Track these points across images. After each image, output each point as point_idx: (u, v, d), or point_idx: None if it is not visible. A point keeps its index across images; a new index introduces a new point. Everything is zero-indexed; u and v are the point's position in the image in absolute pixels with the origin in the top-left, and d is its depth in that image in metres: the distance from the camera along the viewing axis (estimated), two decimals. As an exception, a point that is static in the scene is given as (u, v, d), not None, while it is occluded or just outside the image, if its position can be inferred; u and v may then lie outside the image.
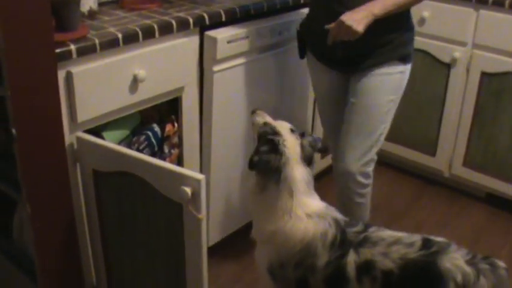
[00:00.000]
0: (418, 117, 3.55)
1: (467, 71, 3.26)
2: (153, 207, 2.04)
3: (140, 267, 2.23)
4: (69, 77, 2.04)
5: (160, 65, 2.33)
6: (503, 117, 3.21)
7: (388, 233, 2.03)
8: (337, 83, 2.57)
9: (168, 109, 2.54)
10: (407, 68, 2.48)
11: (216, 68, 2.48)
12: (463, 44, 3.23)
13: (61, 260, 2.15)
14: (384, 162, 3.86)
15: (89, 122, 2.17)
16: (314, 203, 2.10)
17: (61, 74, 2.01)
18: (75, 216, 2.21)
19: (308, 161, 2.12)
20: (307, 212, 2.05)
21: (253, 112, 2.30)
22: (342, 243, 2.01)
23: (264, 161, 2.06)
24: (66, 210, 2.11)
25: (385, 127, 2.53)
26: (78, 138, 2.14)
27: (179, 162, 2.57)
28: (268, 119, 2.24)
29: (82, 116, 2.12)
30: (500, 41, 3.10)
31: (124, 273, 2.33)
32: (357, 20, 2.17)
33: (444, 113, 3.42)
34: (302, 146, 2.11)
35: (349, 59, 2.43)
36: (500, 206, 3.48)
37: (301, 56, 2.64)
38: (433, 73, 3.38)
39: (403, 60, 2.45)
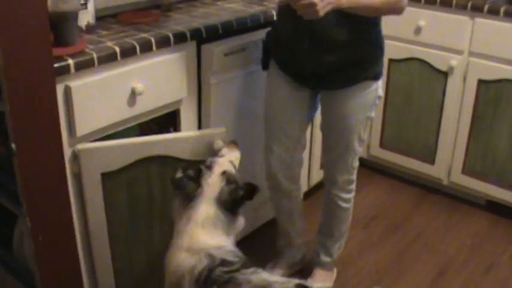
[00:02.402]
0: (416, 125, 3.56)
1: (464, 79, 3.27)
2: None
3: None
4: (67, 91, 2.05)
5: (158, 78, 2.34)
6: (501, 124, 3.22)
7: (261, 277, 1.92)
8: (304, 100, 2.50)
9: (166, 121, 2.55)
10: (379, 83, 2.44)
11: (213, 81, 2.50)
12: (459, 52, 3.25)
13: (61, 274, 2.15)
14: (383, 170, 3.88)
15: (88, 135, 2.18)
16: (205, 240, 2.02)
17: (59, 89, 2.02)
18: (80, 229, 2.24)
19: (226, 206, 2.08)
20: (191, 246, 2.01)
21: (230, 142, 2.33)
22: (205, 281, 1.93)
23: (183, 183, 2.08)
24: (66, 224, 2.12)
25: (364, 138, 2.54)
26: (83, 149, 2.15)
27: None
28: (228, 154, 2.25)
29: (81, 129, 2.13)
30: (496, 48, 3.12)
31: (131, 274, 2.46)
32: (323, 5, 2.04)
33: (442, 121, 3.43)
34: (220, 190, 2.08)
35: (318, 75, 2.36)
36: (500, 213, 3.48)
37: (264, 67, 2.56)
38: (430, 81, 3.40)
39: (375, 78, 2.41)
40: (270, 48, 2.50)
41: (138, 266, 2.49)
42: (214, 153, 2.29)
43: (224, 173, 2.11)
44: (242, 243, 2.24)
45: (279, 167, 2.64)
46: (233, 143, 2.32)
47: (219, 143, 2.35)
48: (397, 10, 2.25)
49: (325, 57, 2.28)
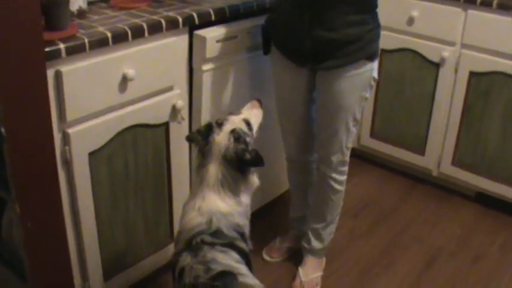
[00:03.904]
0: (407, 116, 3.56)
1: (456, 70, 3.27)
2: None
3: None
4: (58, 76, 2.03)
5: (150, 64, 2.33)
6: (492, 117, 3.23)
7: (228, 262, 1.93)
8: (304, 81, 2.56)
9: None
10: (374, 65, 2.48)
11: (205, 67, 2.48)
12: (451, 43, 3.25)
13: (51, 260, 2.15)
14: (373, 160, 3.89)
15: (79, 120, 2.16)
16: (215, 202, 2.08)
17: (50, 73, 2.00)
18: (68, 213, 2.23)
19: (233, 165, 2.09)
20: (201, 207, 2.06)
21: (253, 101, 2.33)
22: (191, 242, 1.99)
23: (193, 136, 2.18)
24: (55, 210, 2.11)
25: (358, 119, 2.58)
26: (73, 132, 2.15)
27: (168, 158, 2.58)
28: (246, 112, 2.26)
29: (71, 114, 2.11)
30: (489, 40, 3.12)
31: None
32: None
33: (433, 112, 3.44)
34: (226, 149, 2.09)
35: (317, 54, 2.40)
36: (489, 205, 3.50)
37: (265, 52, 2.62)
38: (422, 72, 3.40)
39: (371, 58, 2.45)
40: (270, 33, 2.55)
41: (120, 243, 2.52)
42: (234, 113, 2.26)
43: (233, 131, 2.11)
44: (254, 215, 2.29)
45: (293, 142, 2.81)
46: (257, 101, 2.32)
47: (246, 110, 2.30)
48: None
49: (325, 35, 2.32)
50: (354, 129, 2.59)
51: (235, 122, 2.16)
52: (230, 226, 2.05)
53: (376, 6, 2.43)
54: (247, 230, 2.16)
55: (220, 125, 2.13)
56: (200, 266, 1.88)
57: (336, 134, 2.56)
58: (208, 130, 2.12)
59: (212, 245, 1.96)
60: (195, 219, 2.04)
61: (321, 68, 2.45)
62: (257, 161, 2.10)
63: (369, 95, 2.55)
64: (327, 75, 2.46)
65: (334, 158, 2.63)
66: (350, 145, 2.65)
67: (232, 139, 2.10)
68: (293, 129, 2.76)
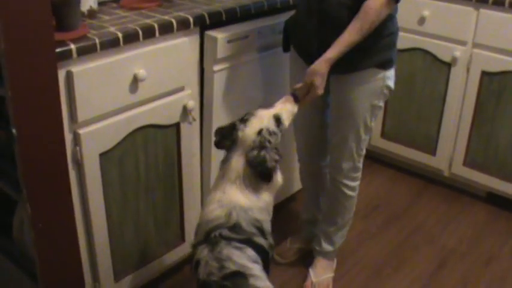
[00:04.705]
0: (418, 116, 3.55)
1: (468, 70, 3.25)
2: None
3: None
4: (69, 76, 2.03)
5: (161, 65, 2.32)
6: (504, 117, 3.20)
7: (243, 261, 1.94)
8: None
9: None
10: (388, 73, 2.43)
11: (216, 68, 2.48)
12: (463, 43, 3.23)
13: (62, 260, 2.14)
14: (384, 161, 3.87)
15: (89, 121, 2.16)
16: (236, 196, 2.09)
17: (61, 74, 2.00)
18: (79, 213, 2.23)
19: (254, 164, 2.09)
20: (222, 199, 2.08)
21: (289, 94, 2.31)
22: (209, 235, 2.01)
23: (220, 134, 2.18)
24: (66, 211, 2.10)
25: (370, 126, 2.55)
26: (83, 133, 2.14)
27: (179, 159, 2.57)
28: (278, 106, 2.23)
29: (82, 115, 2.11)
30: (501, 40, 3.10)
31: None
32: (320, 83, 2.26)
33: (444, 112, 3.42)
34: (250, 149, 2.09)
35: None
36: (501, 205, 3.47)
37: (285, 49, 2.61)
38: (433, 72, 3.38)
39: (383, 67, 2.40)
40: (289, 31, 2.55)
41: (130, 244, 2.52)
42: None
43: (260, 132, 2.11)
44: None
45: (306, 145, 2.80)
46: (292, 95, 2.29)
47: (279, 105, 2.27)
48: (380, 16, 2.24)
49: (332, 37, 2.28)
50: (365, 137, 2.56)
51: (263, 118, 2.15)
52: (249, 221, 2.06)
53: (392, 13, 2.35)
54: (267, 226, 2.15)
55: (245, 121, 2.13)
56: (215, 263, 1.91)
57: (345, 141, 2.54)
58: (232, 129, 2.14)
59: (229, 240, 1.97)
60: (215, 212, 2.06)
61: (331, 72, 2.43)
62: (264, 176, 2.09)
63: (383, 103, 2.52)
64: (337, 79, 2.44)
65: (345, 165, 2.61)
66: (363, 152, 2.62)
67: (257, 142, 2.09)
68: (305, 132, 2.74)
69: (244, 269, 1.90)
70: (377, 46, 2.35)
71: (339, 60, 2.31)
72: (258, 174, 2.08)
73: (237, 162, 2.10)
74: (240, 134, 2.11)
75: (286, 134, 2.84)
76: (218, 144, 2.20)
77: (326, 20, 2.31)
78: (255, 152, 2.07)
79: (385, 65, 2.40)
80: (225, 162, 2.15)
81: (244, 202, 2.08)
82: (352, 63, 2.34)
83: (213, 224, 2.02)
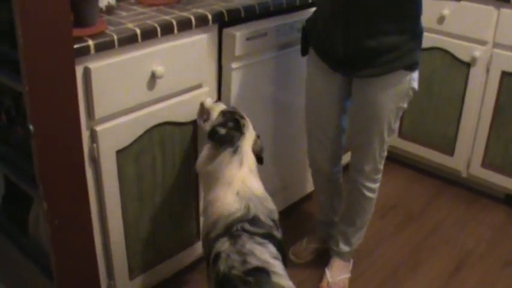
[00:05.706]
0: (436, 116, 3.51)
1: (487, 70, 3.22)
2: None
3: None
4: (87, 72, 2.02)
5: (179, 62, 2.31)
6: (524, 118, 3.17)
7: (258, 249, 1.94)
8: (337, 86, 2.50)
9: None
10: (414, 75, 2.40)
11: (234, 65, 2.46)
12: (483, 43, 3.19)
13: (77, 257, 2.14)
14: (401, 161, 3.85)
15: (107, 117, 2.15)
16: (254, 185, 2.15)
17: (79, 70, 1.99)
18: (95, 210, 2.22)
19: (257, 155, 2.28)
20: (241, 190, 2.11)
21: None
22: (230, 229, 2.02)
23: (229, 135, 2.20)
24: (83, 207, 2.10)
25: (394, 128, 2.53)
26: (101, 130, 2.14)
27: (196, 156, 2.55)
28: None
29: (100, 111, 2.10)
30: (522, 40, 3.06)
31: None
32: None
33: (463, 112, 3.39)
34: (255, 140, 2.27)
35: (351, 60, 2.34)
36: (519, 207, 3.44)
37: (303, 53, 2.57)
38: (452, 72, 3.35)
39: (410, 68, 2.37)
40: (308, 33, 2.50)
41: (146, 241, 2.51)
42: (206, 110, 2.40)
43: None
44: (282, 214, 2.34)
45: (319, 151, 2.73)
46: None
47: (209, 101, 2.44)
48: None
49: (359, 41, 2.27)
50: (388, 139, 2.54)
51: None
52: (266, 213, 2.09)
53: (418, 14, 2.34)
54: (276, 216, 2.17)
55: (243, 118, 2.28)
56: (237, 256, 1.90)
57: (369, 144, 2.51)
58: (238, 125, 2.23)
59: (252, 234, 1.98)
60: (234, 205, 2.07)
61: (356, 76, 2.40)
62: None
63: (407, 105, 2.48)
64: (362, 83, 2.41)
65: (367, 167, 2.58)
66: (384, 154, 2.60)
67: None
68: (319, 136, 2.68)
69: (267, 265, 1.89)
70: (404, 48, 2.31)
71: (366, 63, 2.30)
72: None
73: (250, 152, 2.20)
74: (248, 126, 2.25)
75: (298, 134, 2.84)
76: (225, 137, 2.21)
77: (354, 24, 2.26)
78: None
79: (412, 67, 2.37)
80: (234, 152, 2.17)
81: (259, 190, 2.15)
82: (378, 66, 2.31)
83: (234, 217, 2.04)
